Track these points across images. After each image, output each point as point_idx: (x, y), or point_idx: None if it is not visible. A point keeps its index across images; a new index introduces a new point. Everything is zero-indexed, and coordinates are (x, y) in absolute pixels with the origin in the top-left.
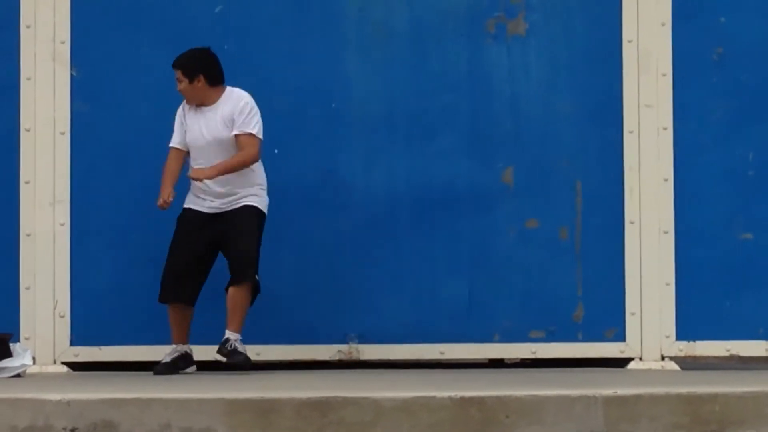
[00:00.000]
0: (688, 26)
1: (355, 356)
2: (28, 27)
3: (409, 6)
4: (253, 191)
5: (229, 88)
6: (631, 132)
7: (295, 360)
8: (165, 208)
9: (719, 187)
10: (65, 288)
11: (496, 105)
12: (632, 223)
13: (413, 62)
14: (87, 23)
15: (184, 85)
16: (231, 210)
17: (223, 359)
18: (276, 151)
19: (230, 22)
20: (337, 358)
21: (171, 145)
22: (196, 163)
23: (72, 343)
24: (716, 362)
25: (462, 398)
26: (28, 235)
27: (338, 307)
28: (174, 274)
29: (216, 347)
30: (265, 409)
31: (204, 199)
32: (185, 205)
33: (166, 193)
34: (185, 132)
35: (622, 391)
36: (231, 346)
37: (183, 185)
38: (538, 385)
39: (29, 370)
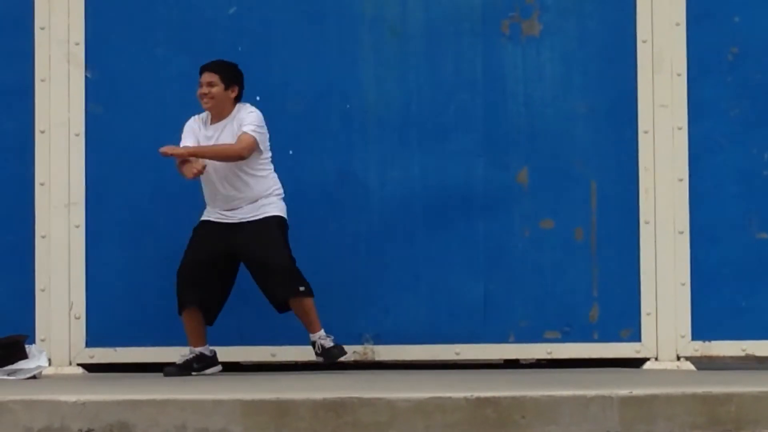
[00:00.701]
0: (702, 26)
1: (370, 357)
2: (42, 29)
3: (424, 7)
4: (269, 200)
5: (239, 104)
6: (645, 132)
7: (311, 361)
8: (197, 174)
9: (734, 186)
10: (80, 290)
11: (511, 105)
12: (647, 223)
13: (428, 63)
14: (101, 25)
15: (218, 89)
16: (250, 221)
17: (321, 360)
18: (291, 152)
19: (244, 23)
20: (352, 358)
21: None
22: (209, 180)
23: (87, 345)
24: (732, 362)
25: (477, 399)
26: (43, 237)
27: (354, 308)
28: (184, 278)
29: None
30: (280, 410)
31: (217, 210)
32: (202, 218)
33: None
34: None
35: (637, 392)
36: (318, 348)
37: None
38: (553, 385)
39: (45, 372)
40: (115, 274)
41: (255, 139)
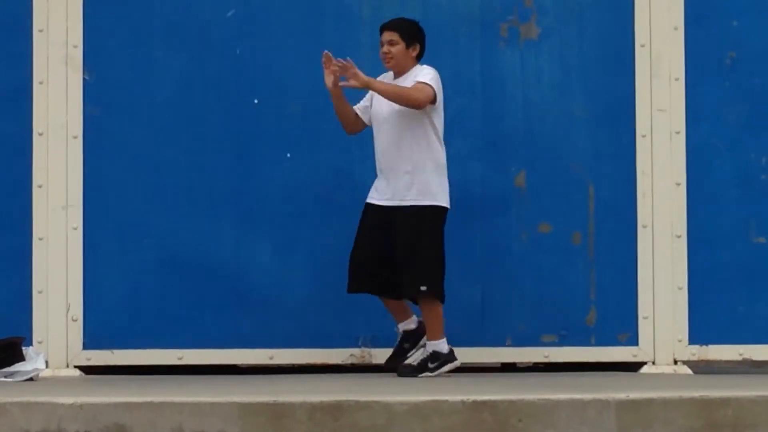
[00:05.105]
0: (700, 30)
1: (367, 360)
2: (40, 31)
3: (423, 10)
4: (423, 176)
5: (419, 65)
6: (643, 136)
7: (308, 364)
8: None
9: (732, 191)
10: (78, 292)
11: (509, 109)
12: (645, 227)
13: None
14: (99, 27)
15: (399, 48)
16: (399, 208)
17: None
18: (289, 155)
19: (243, 25)
20: (349, 361)
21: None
22: (377, 140)
23: (84, 347)
24: (729, 366)
25: (474, 402)
26: (41, 239)
27: (351, 311)
28: (355, 265)
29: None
30: (277, 412)
31: (376, 188)
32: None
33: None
34: (369, 105)
35: (634, 396)
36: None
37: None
38: (550, 389)
39: (42, 374)
40: (112, 276)
41: (433, 92)
